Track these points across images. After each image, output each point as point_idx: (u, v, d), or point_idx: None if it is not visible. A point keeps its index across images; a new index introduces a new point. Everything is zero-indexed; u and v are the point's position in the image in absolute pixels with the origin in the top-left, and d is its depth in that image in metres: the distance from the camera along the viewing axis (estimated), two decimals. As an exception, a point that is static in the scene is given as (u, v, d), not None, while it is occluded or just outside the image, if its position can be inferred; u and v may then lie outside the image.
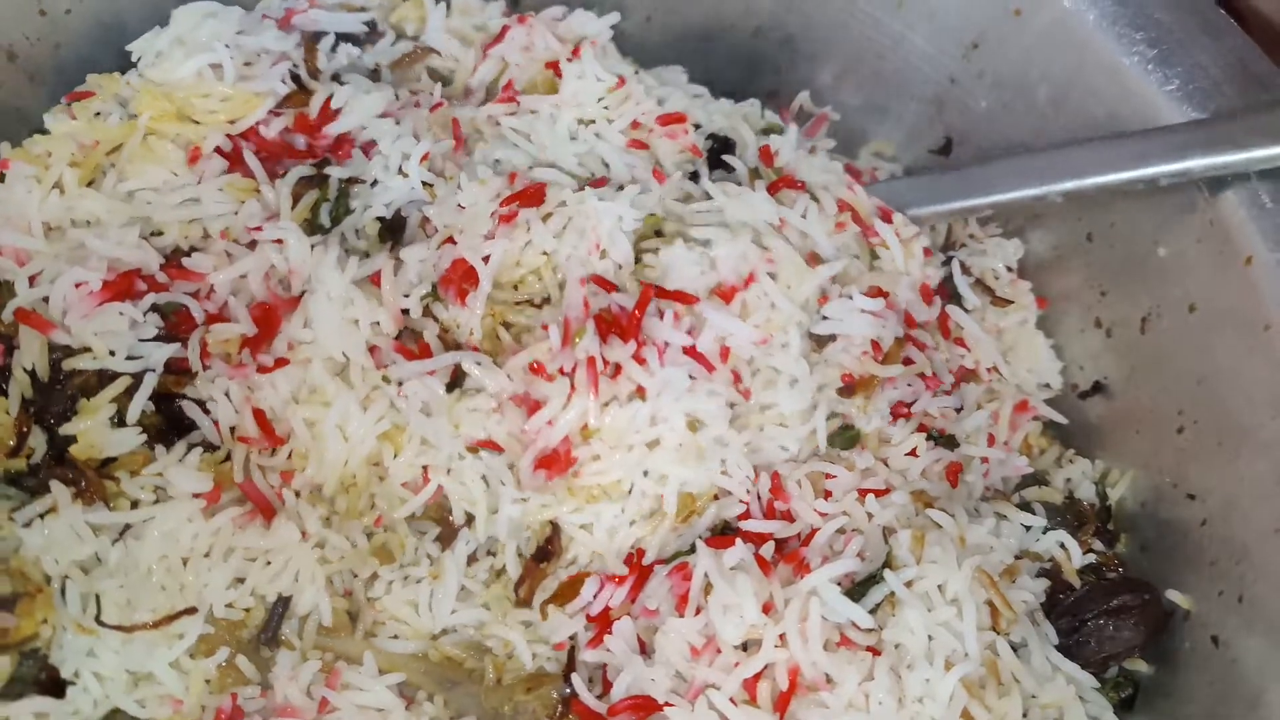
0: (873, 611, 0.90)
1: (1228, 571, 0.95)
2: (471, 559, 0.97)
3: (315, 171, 1.04)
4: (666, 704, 0.87)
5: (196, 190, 1.02)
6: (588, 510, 0.96)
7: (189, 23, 1.07)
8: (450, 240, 1.01)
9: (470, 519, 0.97)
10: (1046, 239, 1.21)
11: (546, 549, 0.96)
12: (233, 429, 0.96)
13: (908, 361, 1.05)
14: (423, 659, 0.97)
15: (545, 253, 1.01)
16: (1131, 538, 1.09)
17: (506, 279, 1.02)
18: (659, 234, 1.06)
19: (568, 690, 0.92)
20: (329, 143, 1.08)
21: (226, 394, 0.97)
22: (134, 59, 1.07)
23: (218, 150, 1.04)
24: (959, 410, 1.08)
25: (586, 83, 1.12)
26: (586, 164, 1.11)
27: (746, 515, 0.97)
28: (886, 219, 1.11)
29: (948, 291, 1.16)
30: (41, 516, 0.91)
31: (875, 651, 0.88)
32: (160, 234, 1.02)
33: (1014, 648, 0.93)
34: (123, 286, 0.96)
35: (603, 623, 0.93)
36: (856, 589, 0.91)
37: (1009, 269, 1.20)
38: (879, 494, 0.96)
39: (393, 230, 1.05)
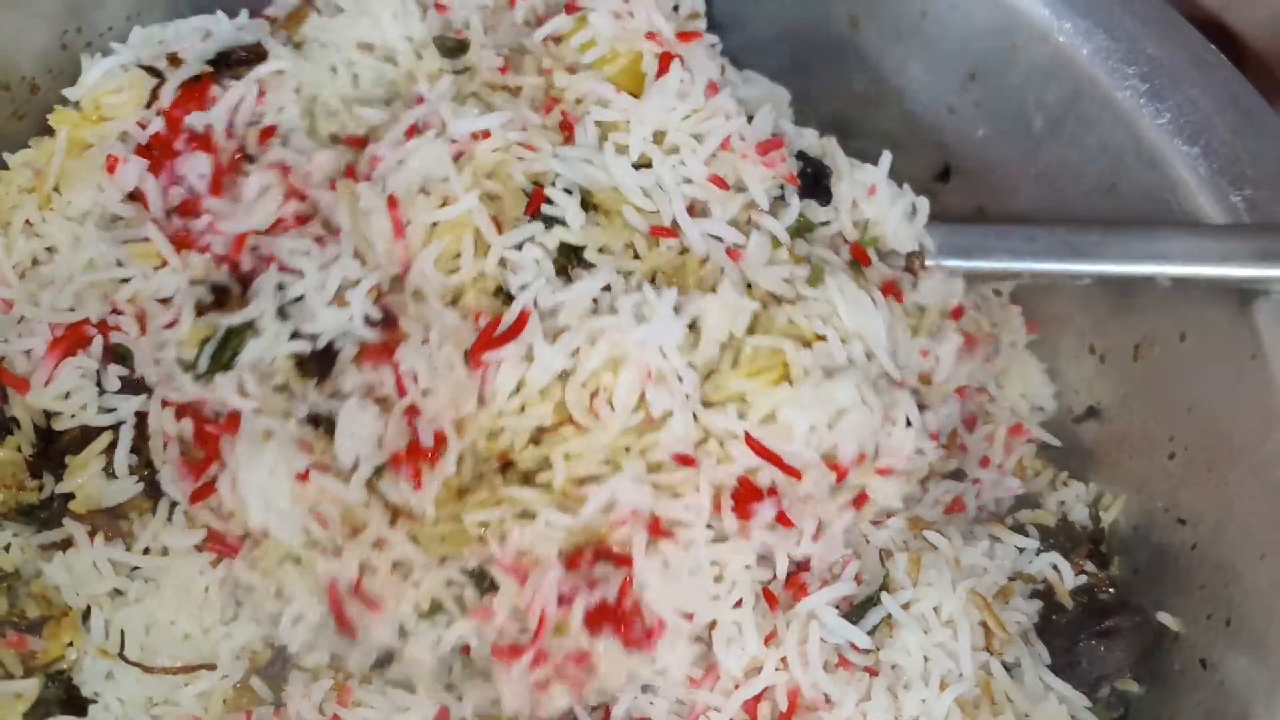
0: (870, 633, 0.93)
1: (1216, 595, 0.98)
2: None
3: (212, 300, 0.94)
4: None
5: (101, 251, 0.99)
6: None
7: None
8: (413, 411, 0.87)
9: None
10: (1042, 265, 1.24)
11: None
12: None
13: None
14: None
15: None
16: (1124, 561, 1.12)
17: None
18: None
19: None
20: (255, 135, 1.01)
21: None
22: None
23: (138, 150, 1.00)
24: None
25: (674, 90, 0.98)
26: (654, 197, 0.97)
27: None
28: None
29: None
30: (62, 550, 0.94)
31: (873, 672, 0.91)
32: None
33: (1007, 668, 0.96)
34: (71, 340, 0.95)
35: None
36: (855, 611, 0.94)
37: (997, 293, 1.23)
38: (877, 522, 0.99)
39: (319, 362, 0.90)
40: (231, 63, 1.03)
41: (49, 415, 0.96)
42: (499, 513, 0.88)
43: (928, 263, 1.09)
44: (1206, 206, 1.04)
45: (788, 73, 1.23)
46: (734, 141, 0.99)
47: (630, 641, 0.88)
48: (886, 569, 0.97)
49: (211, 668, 0.93)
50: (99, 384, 0.96)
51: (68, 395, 0.95)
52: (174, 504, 0.94)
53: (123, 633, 0.93)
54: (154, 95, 1.03)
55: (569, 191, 0.96)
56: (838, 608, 0.93)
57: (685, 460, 0.89)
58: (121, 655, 0.92)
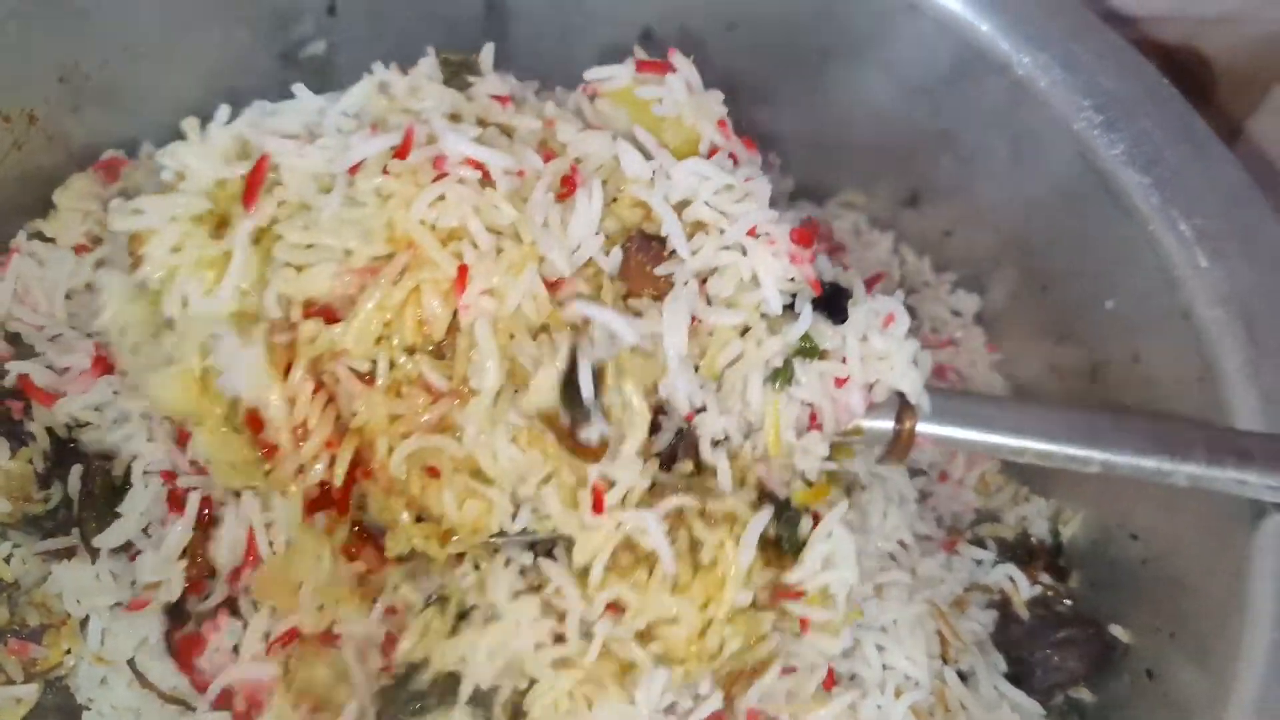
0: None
1: (1163, 608, 1.04)
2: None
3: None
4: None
5: None
6: None
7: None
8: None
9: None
10: (1004, 289, 1.30)
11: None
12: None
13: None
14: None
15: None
16: (1082, 574, 1.18)
17: None
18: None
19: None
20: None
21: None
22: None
23: None
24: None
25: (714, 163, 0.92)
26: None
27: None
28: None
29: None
30: (68, 558, 1.00)
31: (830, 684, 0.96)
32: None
33: (963, 676, 1.02)
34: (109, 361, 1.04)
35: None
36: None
37: (956, 314, 1.28)
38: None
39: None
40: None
41: (69, 428, 1.04)
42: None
43: (919, 428, 0.95)
44: (1159, 234, 1.10)
45: (760, 103, 1.29)
46: (761, 227, 0.90)
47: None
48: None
49: (191, 708, 0.97)
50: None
51: (98, 409, 1.03)
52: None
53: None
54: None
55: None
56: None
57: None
58: (135, 671, 0.98)
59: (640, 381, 0.87)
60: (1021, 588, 1.11)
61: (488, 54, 1.00)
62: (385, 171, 0.85)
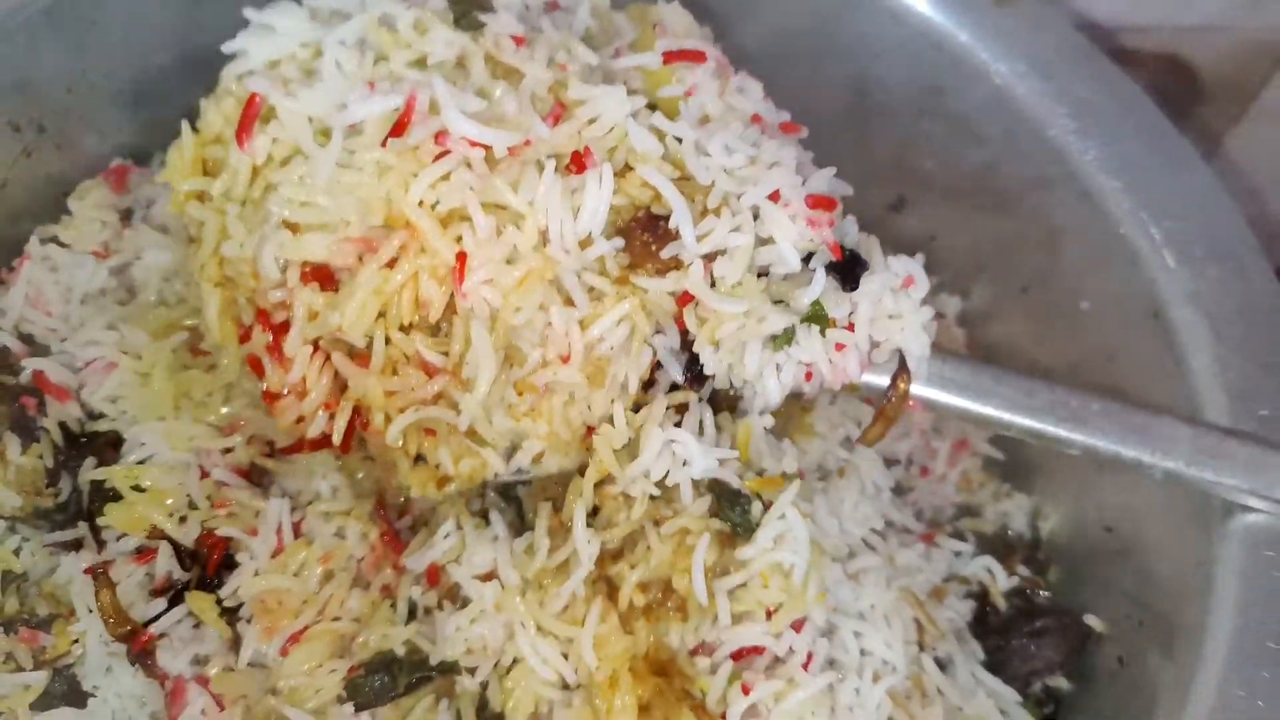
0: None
1: (1134, 598, 1.09)
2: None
3: None
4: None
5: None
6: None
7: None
8: None
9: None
10: (987, 291, 1.35)
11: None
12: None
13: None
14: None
15: None
16: (1060, 567, 1.22)
17: None
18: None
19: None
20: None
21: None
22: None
23: None
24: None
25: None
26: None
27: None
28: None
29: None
30: (76, 549, 1.05)
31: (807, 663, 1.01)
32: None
33: (941, 664, 1.07)
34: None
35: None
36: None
37: (940, 315, 1.33)
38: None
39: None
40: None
41: (82, 423, 1.09)
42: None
43: (914, 389, 0.99)
44: (1130, 237, 1.15)
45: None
46: (784, 192, 0.91)
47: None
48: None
49: None
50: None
51: (114, 399, 1.08)
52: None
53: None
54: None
55: None
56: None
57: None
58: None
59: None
60: (999, 579, 1.16)
61: None
62: (384, 144, 0.84)
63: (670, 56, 0.96)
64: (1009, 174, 1.27)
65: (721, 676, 0.96)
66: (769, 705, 0.96)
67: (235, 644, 1.01)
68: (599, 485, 0.96)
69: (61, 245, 1.17)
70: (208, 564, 1.02)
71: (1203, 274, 1.10)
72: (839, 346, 0.94)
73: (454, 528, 1.00)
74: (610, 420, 0.93)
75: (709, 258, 0.91)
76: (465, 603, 0.98)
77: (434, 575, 1.02)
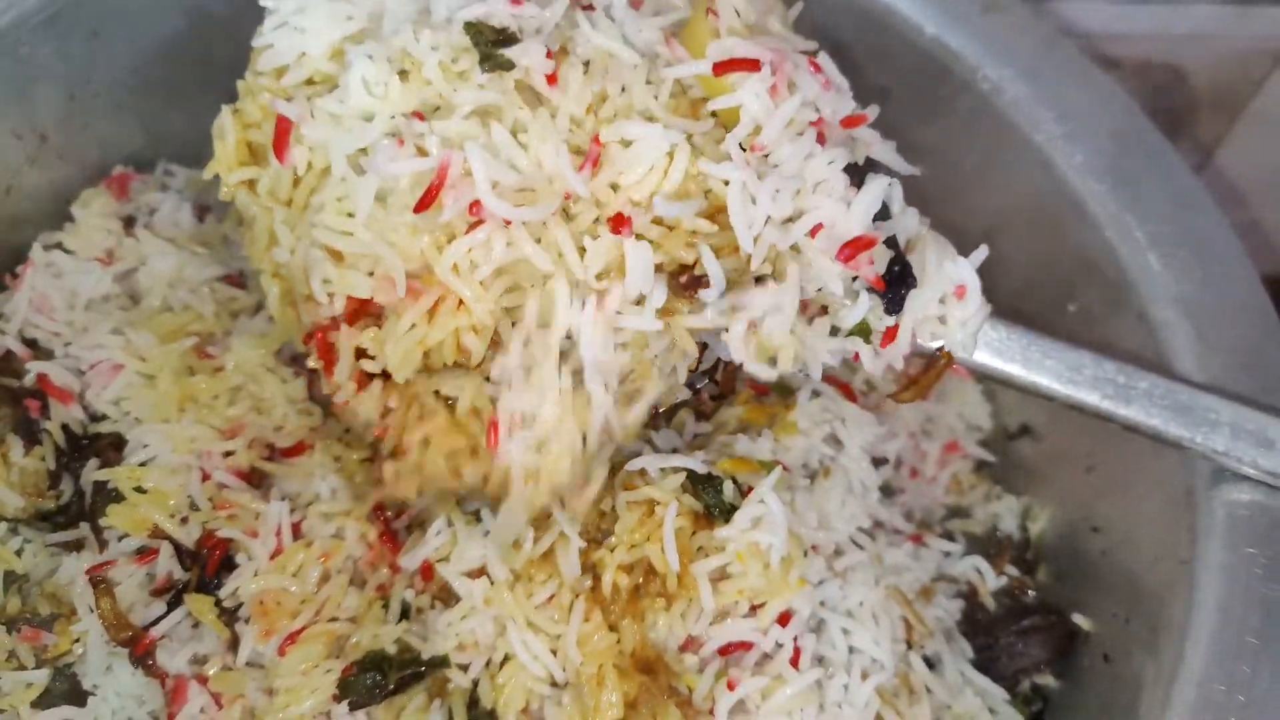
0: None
1: (1120, 596, 1.11)
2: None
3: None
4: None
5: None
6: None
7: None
8: None
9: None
10: (977, 294, 1.37)
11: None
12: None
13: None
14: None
15: None
16: (1049, 567, 1.25)
17: None
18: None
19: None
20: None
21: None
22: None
23: None
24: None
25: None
26: None
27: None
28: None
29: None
30: (77, 550, 1.08)
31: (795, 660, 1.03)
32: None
33: (929, 662, 1.09)
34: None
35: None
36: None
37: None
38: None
39: None
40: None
41: (84, 425, 1.12)
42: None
43: (960, 356, 1.00)
44: (1115, 239, 1.17)
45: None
46: (825, 229, 0.90)
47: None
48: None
49: None
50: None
51: (118, 401, 1.11)
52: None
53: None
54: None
55: None
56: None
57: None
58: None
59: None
60: (988, 579, 1.18)
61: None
62: (416, 209, 0.83)
63: (721, 68, 0.90)
64: (997, 179, 1.29)
65: (709, 673, 0.98)
66: (756, 702, 0.98)
67: (234, 644, 1.04)
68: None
69: (66, 252, 1.20)
70: (208, 564, 1.05)
71: (1187, 276, 1.12)
72: (885, 341, 0.95)
73: (445, 525, 1.03)
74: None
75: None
76: (457, 601, 1.00)
77: (428, 574, 1.04)
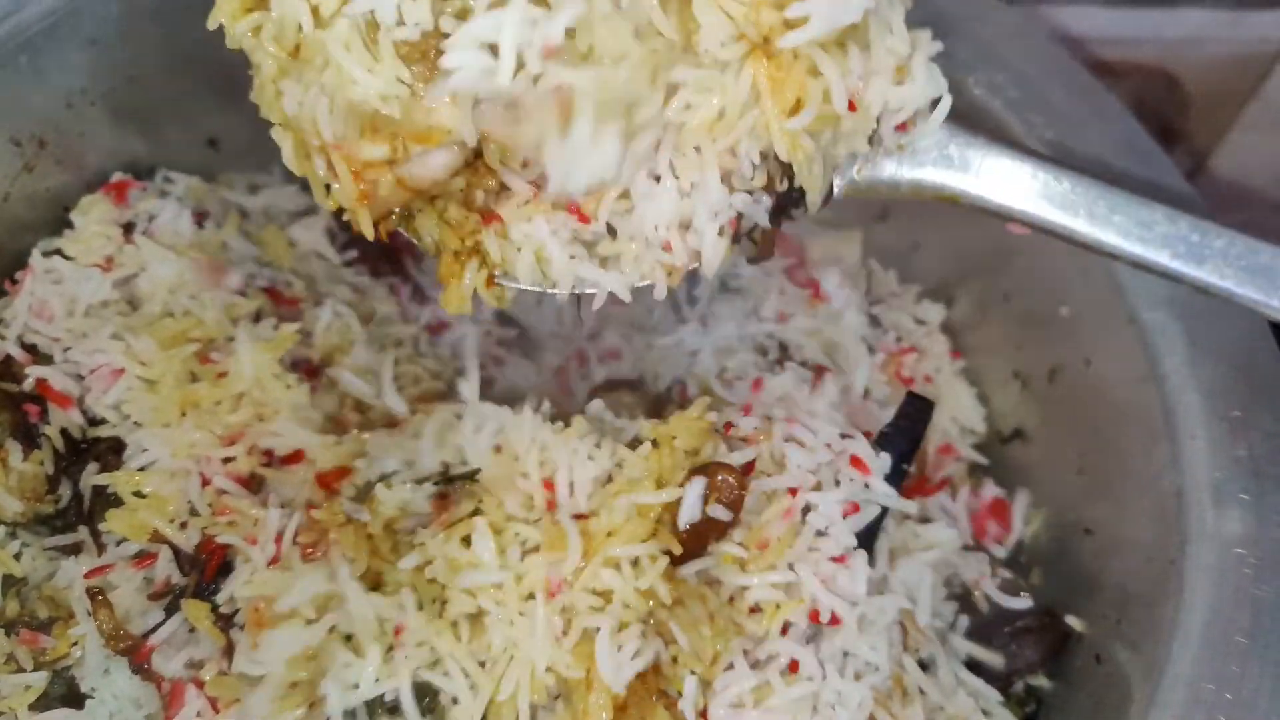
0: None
1: (1111, 597, 1.12)
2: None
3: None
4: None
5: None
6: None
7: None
8: None
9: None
10: (970, 298, 1.39)
11: None
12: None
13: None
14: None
15: None
16: (1043, 569, 1.26)
17: None
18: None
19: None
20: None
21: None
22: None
23: None
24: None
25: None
26: None
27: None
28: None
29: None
30: (75, 554, 1.09)
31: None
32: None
33: (923, 664, 1.10)
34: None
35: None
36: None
37: (920, 322, 1.37)
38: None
39: None
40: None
41: (83, 429, 1.13)
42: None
43: (1024, 208, 0.98)
44: (1106, 243, 1.18)
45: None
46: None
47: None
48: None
49: None
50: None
51: (117, 406, 1.12)
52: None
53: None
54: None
55: None
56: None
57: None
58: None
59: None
60: (983, 582, 1.19)
61: None
62: None
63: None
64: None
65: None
66: (750, 703, 0.99)
67: (229, 650, 1.05)
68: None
69: (65, 258, 1.21)
70: (206, 569, 1.06)
71: (1176, 279, 1.13)
72: None
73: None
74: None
75: None
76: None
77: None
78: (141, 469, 1.09)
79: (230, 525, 1.07)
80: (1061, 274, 1.25)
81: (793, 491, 1.03)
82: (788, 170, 0.92)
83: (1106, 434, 1.18)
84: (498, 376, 1.43)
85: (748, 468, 1.05)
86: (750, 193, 0.93)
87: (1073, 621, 1.16)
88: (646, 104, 0.85)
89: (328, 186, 0.92)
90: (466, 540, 1.00)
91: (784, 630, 1.02)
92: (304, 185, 1.01)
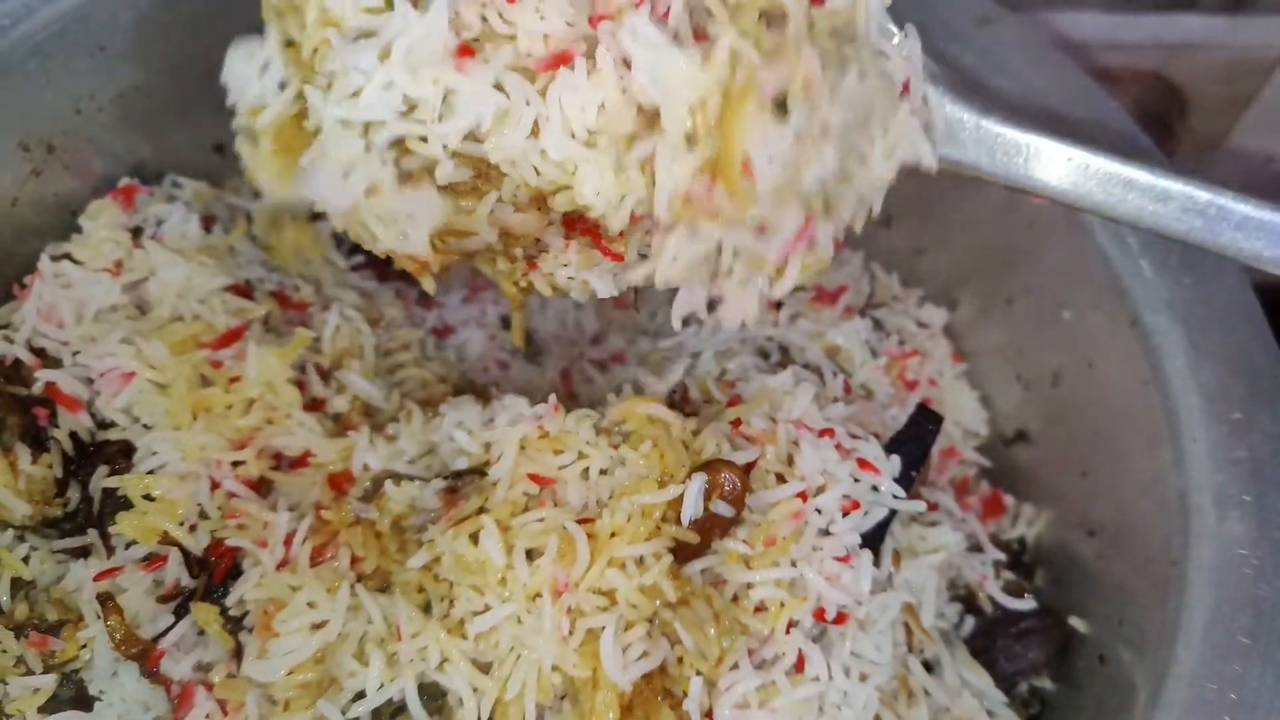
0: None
1: (1114, 598, 1.14)
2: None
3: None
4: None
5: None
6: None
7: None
8: None
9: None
10: (974, 302, 1.40)
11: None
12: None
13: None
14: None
15: None
16: (1046, 571, 1.27)
17: None
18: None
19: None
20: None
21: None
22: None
23: None
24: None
25: None
26: None
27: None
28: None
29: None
30: (84, 556, 1.10)
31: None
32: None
33: (928, 665, 1.11)
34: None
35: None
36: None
37: (923, 325, 1.38)
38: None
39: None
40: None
41: (92, 433, 1.14)
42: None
43: (1049, 182, 1.05)
44: (1106, 247, 1.20)
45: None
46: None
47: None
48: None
49: None
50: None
51: (128, 409, 1.13)
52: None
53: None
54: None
55: None
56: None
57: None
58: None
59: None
60: (986, 583, 1.20)
61: None
62: None
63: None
64: (990, 189, 1.31)
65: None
66: (755, 703, 1.00)
67: (238, 653, 1.06)
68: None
69: (74, 262, 1.22)
70: (215, 572, 1.07)
71: (1178, 282, 1.15)
72: None
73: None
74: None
75: None
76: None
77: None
78: (151, 472, 1.10)
79: (240, 528, 1.08)
80: (1063, 278, 1.26)
81: (803, 495, 1.04)
82: None
83: (1109, 436, 1.19)
84: (502, 380, 1.44)
85: (750, 465, 1.06)
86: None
87: (1076, 623, 1.17)
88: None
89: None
90: (474, 538, 1.01)
91: (789, 629, 1.03)
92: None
